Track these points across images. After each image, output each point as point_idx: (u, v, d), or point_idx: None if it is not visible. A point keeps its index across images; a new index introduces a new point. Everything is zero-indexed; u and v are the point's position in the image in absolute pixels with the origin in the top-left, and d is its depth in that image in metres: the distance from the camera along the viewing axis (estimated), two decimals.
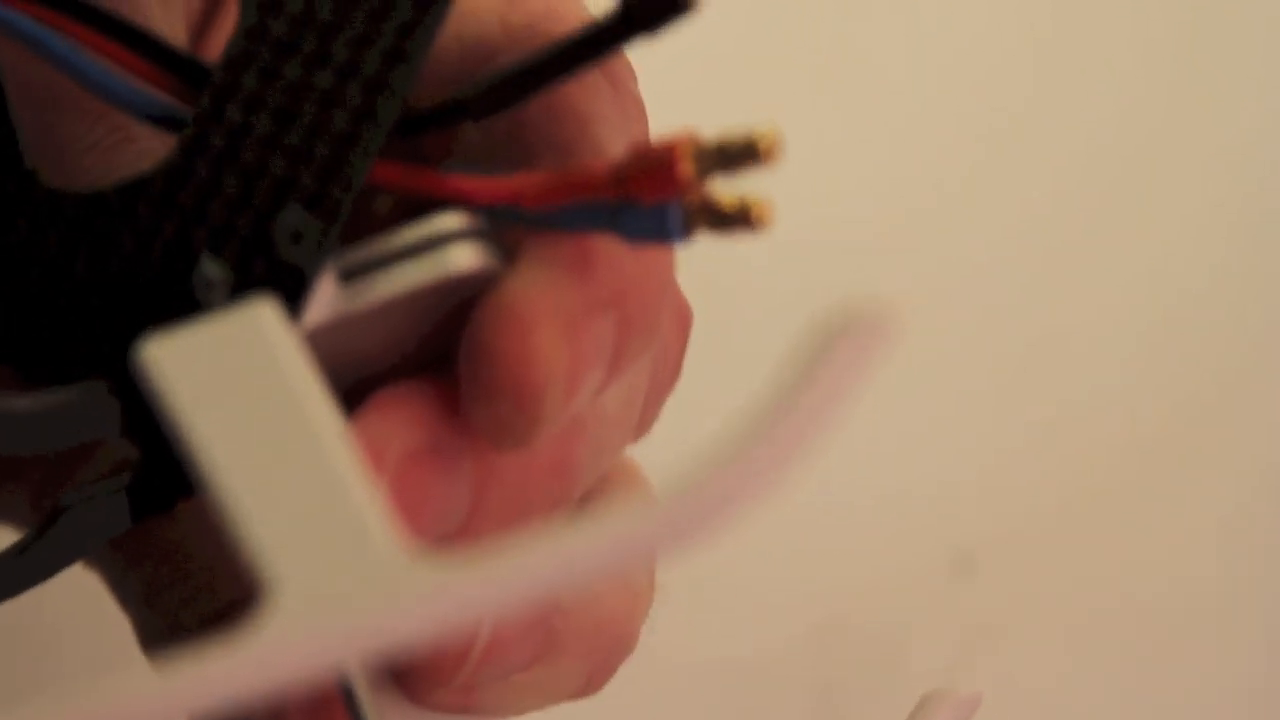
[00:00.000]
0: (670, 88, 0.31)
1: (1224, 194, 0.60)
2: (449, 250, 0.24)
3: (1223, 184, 0.60)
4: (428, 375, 0.25)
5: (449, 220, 0.24)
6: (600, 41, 0.24)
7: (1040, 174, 0.59)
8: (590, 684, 0.28)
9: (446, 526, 0.25)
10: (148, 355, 0.23)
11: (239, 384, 0.22)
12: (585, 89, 0.25)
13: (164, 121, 0.25)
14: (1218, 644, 0.54)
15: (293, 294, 0.24)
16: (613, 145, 0.25)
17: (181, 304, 0.24)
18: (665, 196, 0.23)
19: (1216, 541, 0.55)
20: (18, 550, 0.25)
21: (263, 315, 0.23)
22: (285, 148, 0.24)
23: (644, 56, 0.26)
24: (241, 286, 0.24)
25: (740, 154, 0.22)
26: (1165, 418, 0.57)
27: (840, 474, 0.63)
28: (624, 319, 0.25)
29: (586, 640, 0.27)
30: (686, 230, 0.23)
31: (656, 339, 0.27)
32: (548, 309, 0.24)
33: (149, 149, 0.26)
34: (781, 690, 0.55)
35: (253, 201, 0.24)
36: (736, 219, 0.22)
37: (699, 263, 0.28)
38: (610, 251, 0.25)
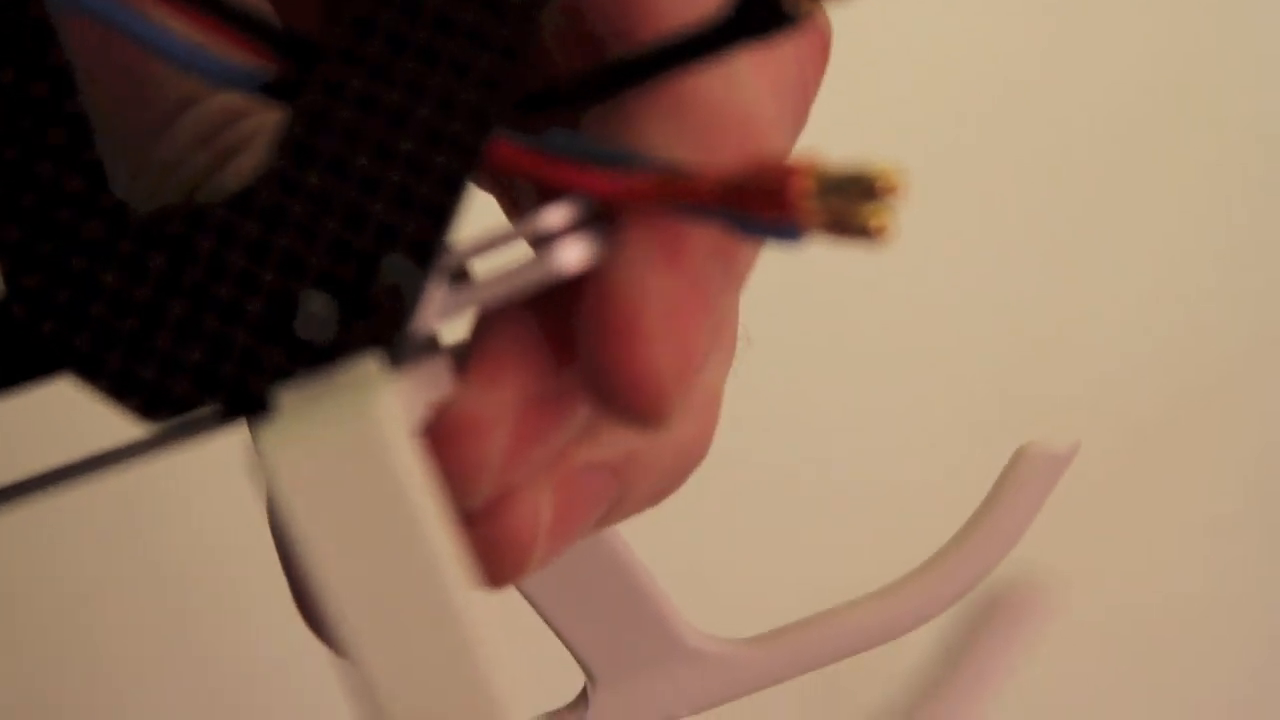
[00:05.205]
0: None
1: (1223, 196, 0.60)
2: (556, 250, 0.24)
3: (1222, 186, 0.60)
4: (532, 314, 0.25)
5: (555, 216, 0.24)
6: (709, 43, 0.23)
7: (1038, 171, 0.60)
8: (655, 500, 0.28)
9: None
10: (264, 447, 0.22)
11: (353, 492, 0.22)
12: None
13: (267, 90, 0.23)
14: (1214, 644, 0.55)
15: (396, 320, 0.23)
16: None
17: (286, 337, 0.23)
18: (776, 219, 0.22)
19: (1212, 541, 0.56)
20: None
21: (378, 408, 0.23)
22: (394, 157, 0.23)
23: None
24: (347, 317, 0.23)
25: (860, 191, 0.21)
26: (1164, 418, 0.58)
27: (839, 473, 0.63)
28: (729, 259, 0.25)
29: (657, 477, 0.27)
30: (801, 235, 0.22)
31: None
32: (649, 302, 0.24)
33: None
34: (781, 688, 0.55)
35: (368, 216, 0.23)
36: (856, 232, 0.22)
37: None
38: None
